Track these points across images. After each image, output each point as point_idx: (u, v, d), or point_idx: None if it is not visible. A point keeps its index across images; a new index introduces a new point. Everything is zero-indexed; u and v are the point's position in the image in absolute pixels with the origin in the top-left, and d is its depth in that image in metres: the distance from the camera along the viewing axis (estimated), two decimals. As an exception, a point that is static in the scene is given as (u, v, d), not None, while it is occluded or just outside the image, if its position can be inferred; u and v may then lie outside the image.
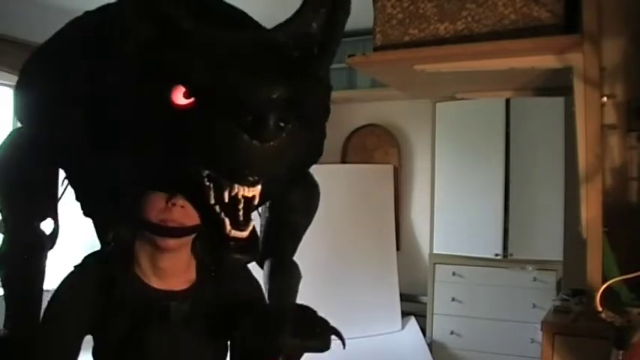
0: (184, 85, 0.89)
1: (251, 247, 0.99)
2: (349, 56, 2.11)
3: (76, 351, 1.14)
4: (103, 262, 1.17)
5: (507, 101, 3.49)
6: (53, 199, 1.41)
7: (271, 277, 1.41)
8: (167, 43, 0.93)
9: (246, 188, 0.92)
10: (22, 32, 3.13)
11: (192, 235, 1.16)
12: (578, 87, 1.80)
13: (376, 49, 2.03)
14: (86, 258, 1.19)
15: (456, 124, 3.68)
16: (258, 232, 1.36)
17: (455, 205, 3.68)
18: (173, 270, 1.17)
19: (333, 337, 1.19)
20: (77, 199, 1.37)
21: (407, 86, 2.69)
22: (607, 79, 1.81)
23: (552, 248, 3.25)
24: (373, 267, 3.77)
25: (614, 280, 1.61)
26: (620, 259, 1.71)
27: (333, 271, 3.51)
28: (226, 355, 1.28)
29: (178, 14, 0.93)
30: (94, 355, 1.17)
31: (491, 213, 3.53)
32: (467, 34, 1.89)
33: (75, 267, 1.18)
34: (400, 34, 1.98)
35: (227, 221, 0.93)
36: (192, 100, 0.89)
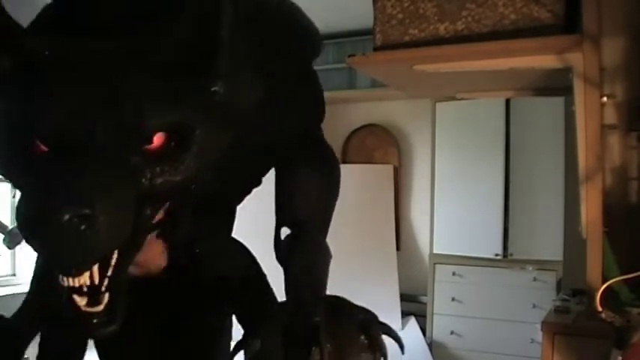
0: (37, 140, 0.78)
1: (112, 317, 0.80)
2: (349, 56, 2.11)
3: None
4: None
5: (507, 101, 3.49)
6: None
7: (289, 254, 1.12)
8: (20, 78, 0.81)
9: (70, 279, 0.78)
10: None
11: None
12: (578, 87, 1.80)
13: (376, 49, 2.03)
14: None
15: (456, 124, 3.68)
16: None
17: (455, 205, 3.68)
18: (146, 260, 1.11)
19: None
20: None
21: (407, 86, 2.69)
22: (607, 79, 1.81)
23: (552, 248, 3.25)
24: (373, 267, 3.77)
25: (614, 280, 1.61)
26: (620, 259, 1.71)
27: (332, 271, 3.50)
28: (219, 341, 1.17)
29: (33, 44, 0.81)
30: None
31: (491, 213, 3.53)
32: (467, 34, 1.89)
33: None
34: (400, 34, 1.98)
35: (77, 298, 0.79)
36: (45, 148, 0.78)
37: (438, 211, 3.75)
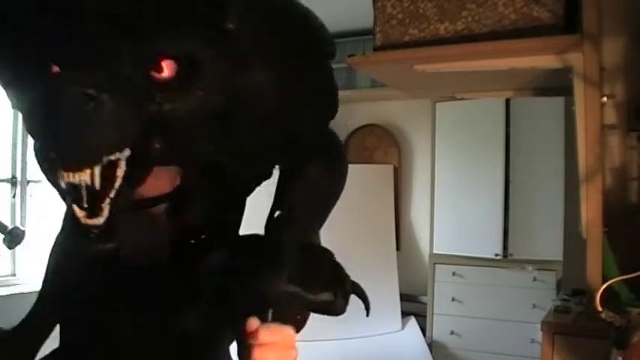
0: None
1: (110, 233, 0.80)
2: (349, 56, 2.11)
3: None
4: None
5: (507, 101, 3.49)
6: None
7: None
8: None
9: (70, 174, 0.78)
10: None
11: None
12: (578, 87, 1.80)
13: (376, 49, 2.03)
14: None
15: (456, 124, 3.69)
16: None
17: (455, 205, 3.68)
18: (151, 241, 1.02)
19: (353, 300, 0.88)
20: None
21: (407, 86, 2.69)
22: (607, 79, 1.81)
23: (552, 248, 3.25)
24: (373, 267, 3.77)
25: (614, 280, 1.61)
26: (620, 259, 1.71)
27: (333, 271, 3.51)
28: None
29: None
30: None
31: (491, 213, 3.53)
32: (467, 34, 1.89)
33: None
34: (400, 34, 1.98)
35: (76, 208, 0.80)
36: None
37: (438, 211, 3.75)
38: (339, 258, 1.18)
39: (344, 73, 3.79)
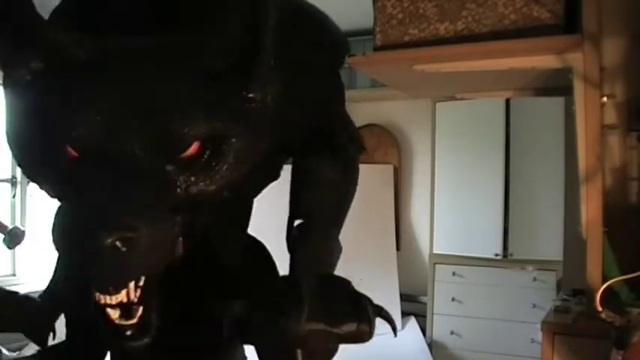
0: (70, 145, 0.76)
1: (145, 329, 0.78)
2: (349, 56, 2.10)
3: None
4: None
5: (507, 101, 3.49)
6: None
7: (295, 246, 1.08)
8: (54, 79, 0.77)
9: (107, 297, 0.76)
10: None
11: None
12: (578, 87, 1.80)
13: (376, 49, 2.03)
14: None
15: (456, 124, 3.69)
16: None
17: (455, 205, 3.68)
18: None
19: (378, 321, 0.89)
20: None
21: (407, 86, 2.69)
22: (607, 79, 1.81)
23: (552, 248, 3.25)
24: (373, 267, 3.77)
25: (614, 280, 1.61)
26: (620, 259, 1.71)
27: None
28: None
29: (67, 42, 0.77)
30: None
31: (491, 213, 3.53)
32: (467, 34, 1.89)
33: None
34: (400, 34, 1.98)
35: (110, 311, 0.77)
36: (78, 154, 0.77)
37: (438, 211, 3.75)
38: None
39: (344, 73, 3.77)
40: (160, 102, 0.75)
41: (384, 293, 3.75)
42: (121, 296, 0.77)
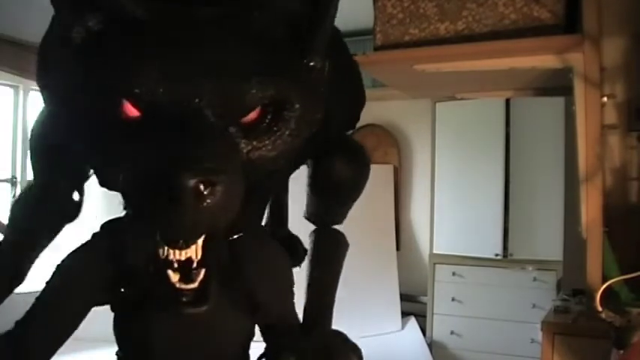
0: (131, 101, 0.76)
1: (204, 296, 0.79)
2: (349, 56, 2.10)
3: (79, 318, 1.01)
4: (116, 228, 1.02)
5: (507, 101, 3.49)
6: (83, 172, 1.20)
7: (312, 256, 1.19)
8: (114, 38, 0.77)
9: (177, 251, 0.77)
10: (21, 33, 3.13)
11: None
12: (578, 87, 1.80)
13: (376, 49, 2.03)
14: (102, 225, 1.05)
15: (456, 124, 3.68)
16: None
17: (455, 205, 3.68)
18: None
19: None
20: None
21: (407, 86, 2.69)
22: (607, 79, 1.81)
23: (552, 248, 3.25)
24: (373, 267, 3.77)
25: (614, 280, 1.61)
26: (620, 259, 1.71)
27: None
28: (251, 332, 1.12)
29: (126, 1, 0.78)
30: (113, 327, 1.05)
31: (491, 213, 3.53)
32: (467, 34, 1.89)
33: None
34: (400, 34, 1.98)
35: (171, 273, 0.79)
36: (139, 113, 0.76)
37: (438, 211, 3.75)
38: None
39: (344, 73, 3.79)
40: (228, 63, 0.76)
41: (384, 293, 3.76)
42: (191, 251, 0.77)
